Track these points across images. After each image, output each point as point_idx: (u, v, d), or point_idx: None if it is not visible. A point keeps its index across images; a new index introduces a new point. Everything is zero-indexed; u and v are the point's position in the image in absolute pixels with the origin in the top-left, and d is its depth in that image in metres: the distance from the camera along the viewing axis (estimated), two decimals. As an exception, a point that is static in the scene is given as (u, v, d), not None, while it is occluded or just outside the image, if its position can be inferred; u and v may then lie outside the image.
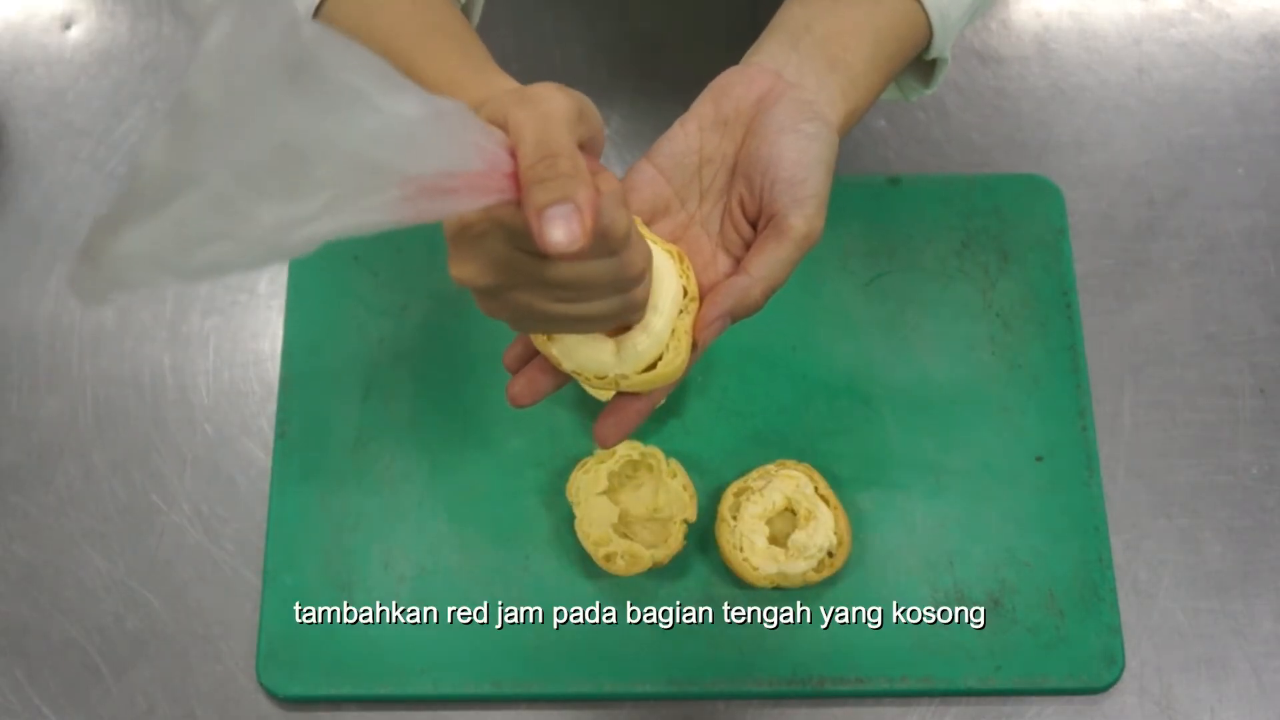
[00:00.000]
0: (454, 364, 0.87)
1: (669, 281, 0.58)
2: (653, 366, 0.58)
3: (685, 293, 0.59)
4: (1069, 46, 0.97)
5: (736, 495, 0.81)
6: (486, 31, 0.70)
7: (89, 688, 0.81)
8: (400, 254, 0.90)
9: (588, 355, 0.57)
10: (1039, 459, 0.84)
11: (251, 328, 0.90)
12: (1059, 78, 0.96)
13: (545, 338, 0.58)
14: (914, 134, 0.94)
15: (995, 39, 0.97)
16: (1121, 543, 0.83)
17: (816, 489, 0.80)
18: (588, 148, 0.53)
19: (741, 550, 0.79)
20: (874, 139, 0.95)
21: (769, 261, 0.61)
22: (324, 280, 0.89)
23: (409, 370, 0.87)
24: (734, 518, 0.80)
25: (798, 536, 0.79)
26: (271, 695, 0.80)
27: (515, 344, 0.61)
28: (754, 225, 0.62)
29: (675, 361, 0.58)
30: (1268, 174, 0.93)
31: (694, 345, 0.60)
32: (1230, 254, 0.91)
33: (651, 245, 0.58)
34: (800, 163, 0.61)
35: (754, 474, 0.82)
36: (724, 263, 0.63)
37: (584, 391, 0.83)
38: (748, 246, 0.62)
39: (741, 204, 0.62)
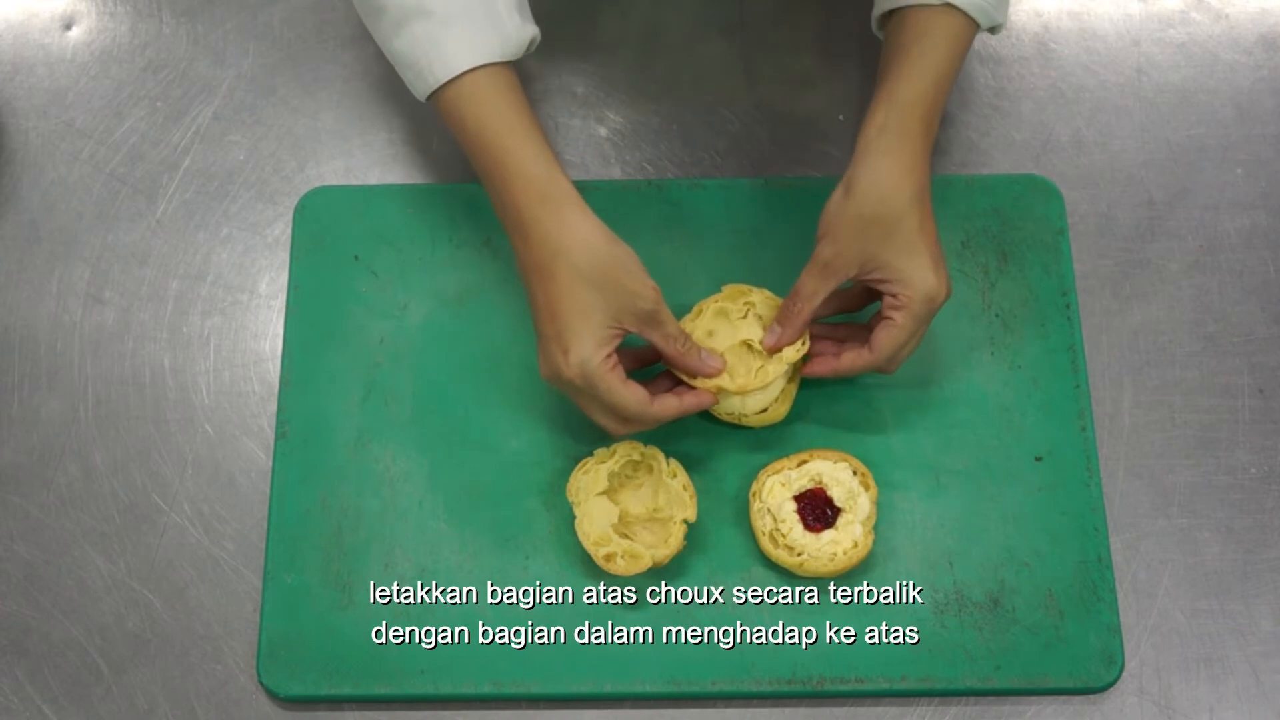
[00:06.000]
0: (454, 364, 0.87)
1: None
2: (764, 410, 0.83)
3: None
4: (1068, 47, 0.97)
5: (768, 475, 0.81)
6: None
7: (89, 688, 0.81)
8: (400, 254, 0.90)
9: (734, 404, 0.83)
10: (1039, 459, 0.84)
11: (251, 328, 0.90)
12: (1058, 78, 0.96)
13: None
14: (914, 134, 0.94)
15: (995, 39, 0.97)
16: (1121, 543, 0.83)
17: (855, 472, 0.81)
18: None
19: (772, 524, 0.80)
20: (874, 139, 0.94)
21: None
22: (324, 280, 0.89)
23: (409, 370, 0.87)
24: (762, 495, 0.81)
25: (845, 516, 0.80)
26: (271, 695, 0.80)
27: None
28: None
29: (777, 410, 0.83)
30: (1267, 174, 0.93)
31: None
32: (1230, 254, 0.91)
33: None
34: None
35: (789, 458, 0.82)
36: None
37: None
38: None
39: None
